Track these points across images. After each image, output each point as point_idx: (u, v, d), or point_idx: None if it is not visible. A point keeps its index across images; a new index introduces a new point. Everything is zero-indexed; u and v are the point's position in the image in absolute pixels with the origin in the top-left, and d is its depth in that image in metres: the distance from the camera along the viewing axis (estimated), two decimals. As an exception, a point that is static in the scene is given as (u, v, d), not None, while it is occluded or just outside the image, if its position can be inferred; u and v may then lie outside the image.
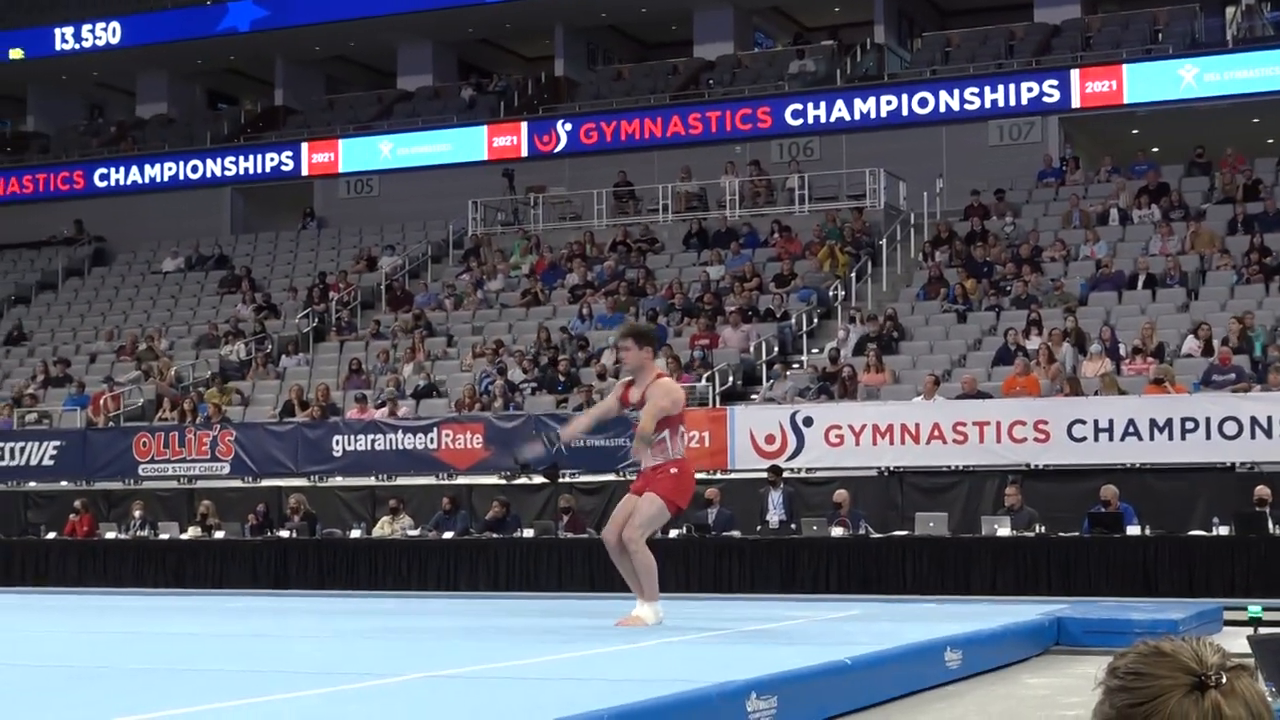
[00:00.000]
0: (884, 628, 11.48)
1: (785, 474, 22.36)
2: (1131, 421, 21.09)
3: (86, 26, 42.23)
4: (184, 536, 24.39)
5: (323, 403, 26.83)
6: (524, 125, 36.89)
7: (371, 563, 22.51)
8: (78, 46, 42.48)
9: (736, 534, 21.22)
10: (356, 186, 38.43)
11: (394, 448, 25.05)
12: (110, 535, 25.03)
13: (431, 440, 24.80)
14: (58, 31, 42.59)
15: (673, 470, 11.20)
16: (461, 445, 24.62)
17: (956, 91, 33.30)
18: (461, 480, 24.53)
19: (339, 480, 25.55)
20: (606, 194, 34.01)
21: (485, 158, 36.82)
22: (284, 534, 23.83)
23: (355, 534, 23.61)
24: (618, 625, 11.30)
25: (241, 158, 39.68)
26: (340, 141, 38.71)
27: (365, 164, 38.23)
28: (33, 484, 27.59)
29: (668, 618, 11.43)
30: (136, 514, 25.26)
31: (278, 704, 6.90)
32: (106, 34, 42.09)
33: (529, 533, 22.06)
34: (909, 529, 20.64)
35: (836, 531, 20.55)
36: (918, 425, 22.14)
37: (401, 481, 24.95)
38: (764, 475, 22.35)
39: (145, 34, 41.84)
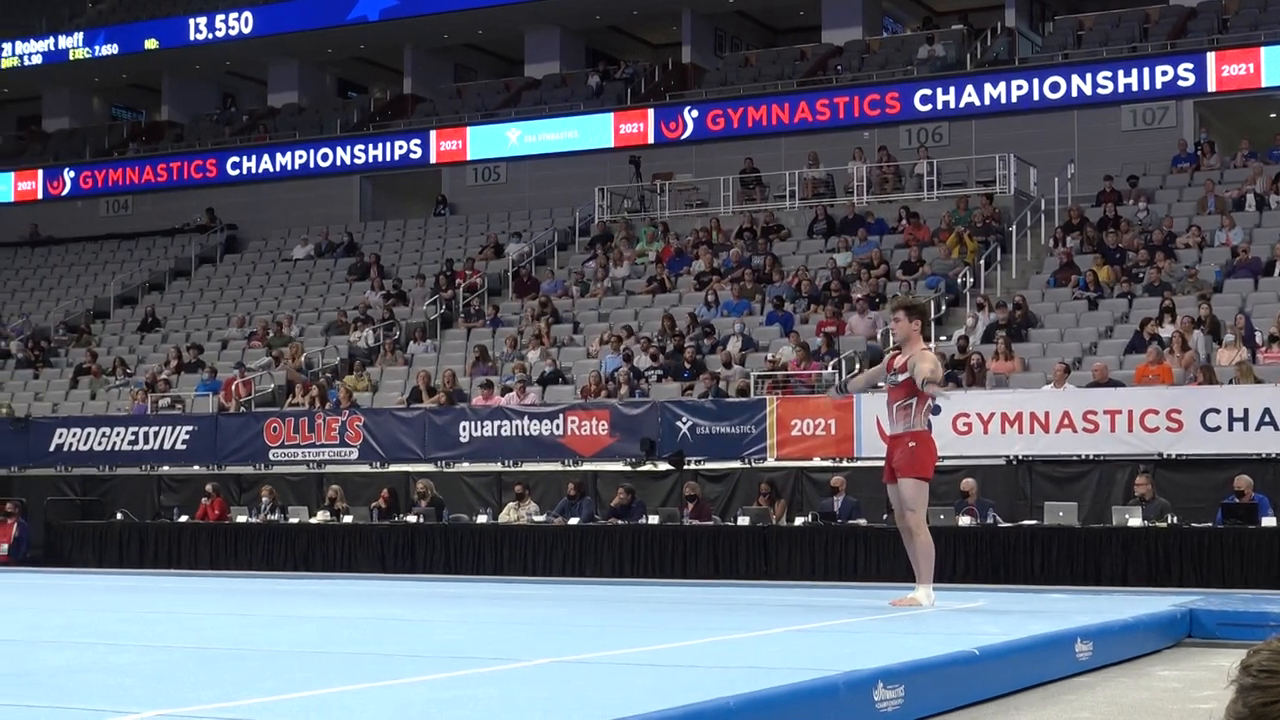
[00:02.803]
0: (1012, 618, 11.35)
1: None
2: (1267, 411, 20.70)
3: (220, 17, 42.81)
4: (313, 521, 24.67)
5: (449, 389, 27.01)
6: (651, 112, 36.90)
7: (497, 548, 22.65)
8: (211, 36, 43.08)
9: (862, 522, 21.10)
10: (484, 174, 38.64)
11: (520, 434, 25.16)
12: (241, 519, 25.38)
13: (557, 427, 24.88)
14: (192, 22, 43.22)
15: (910, 444, 11.67)
16: (587, 432, 24.67)
17: (1089, 76, 32.87)
18: (587, 466, 24.59)
19: (465, 466, 25.70)
20: (733, 181, 33.93)
21: (612, 145, 36.87)
22: (411, 519, 24.03)
23: (481, 519, 23.76)
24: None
25: (371, 146, 40.04)
26: (468, 129, 38.94)
27: (493, 151, 38.43)
28: (166, 468, 28.03)
29: (794, 607, 11.38)
30: (266, 498, 25.59)
31: (408, 687, 6.94)
32: (239, 24, 42.63)
33: (654, 520, 22.08)
34: (1038, 519, 20.42)
35: (964, 520, 20.37)
36: (1047, 414, 21.88)
37: (527, 467, 25.06)
38: (891, 463, 22.19)
39: (277, 23, 42.33)
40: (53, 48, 45.04)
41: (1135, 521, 19.36)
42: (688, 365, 26.22)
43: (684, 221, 33.84)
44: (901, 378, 11.84)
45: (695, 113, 36.20)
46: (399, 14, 41.06)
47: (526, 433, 25.11)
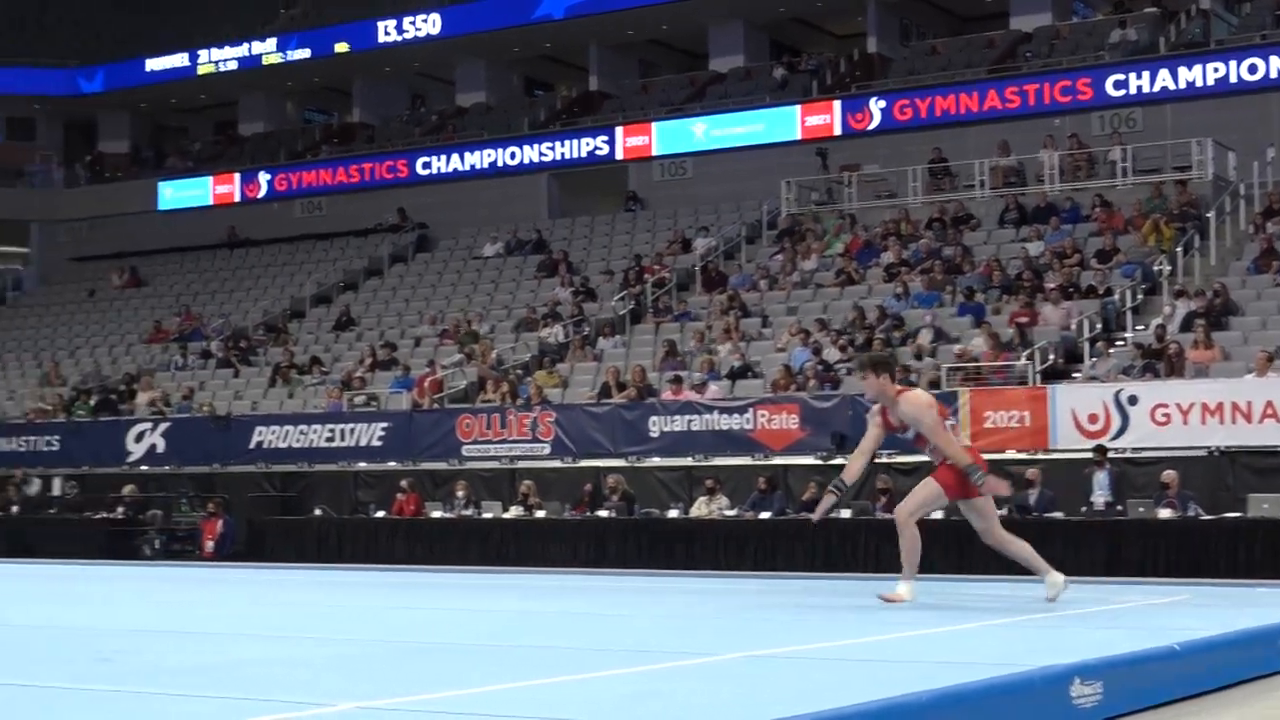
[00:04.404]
0: (1215, 613, 11.08)
1: (1110, 454, 21.79)
2: None
3: (408, 19, 43.39)
4: (506, 516, 24.89)
5: (639, 384, 27.08)
6: (837, 104, 36.66)
7: (689, 543, 22.67)
8: (400, 38, 43.69)
9: (1059, 515, 20.77)
10: (670, 169, 38.68)
11: (710, 428, 25.15)
12: (435, 514, 25.70)
13: (747, 421, 24.83)
14: (380, 25, 43.87)
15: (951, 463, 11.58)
16: (777, 426, 24.60)
17: (1288, 56, 32.00)
18: (777, 460, 24.51)
19: (656, 460, 25.75)
20: (921, 171, 33.61)
21: (798, 137, 36.71)
22: (603, 514, 24.14)
23: (672, 514, 23.79)
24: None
25: (558, 143, 40.29)
26: (654, 125, 39.01)
27: (679, 146, 38.46)
28: (362, 464, 28.47)
29: (986, 601, 11.23)
30: (460, 494, 25.87)
31: (599, 681, 6.95)
32: (427, 25, 43.19)
33: (846, 514, 21.93)
34: (1241, 511, 19.93)
35: (1164, 513, 19.97)
36: (1250, 403, 21.37)
37: (717, 462, 25.04)
38: (1087, 455, 21.84)
39: (464, 24, 42.80)
40: (247, 54, 46.00)
41: (1343, 513, 18.83)
42: (878, 358, 25.96)
43: (872, 213, 33.58)
44: (911, 433, 11.79)
45: (882, 103, 35.90)
46: (584, 11, 41.28)
47: (716, 427, 25.09)
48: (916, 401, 11.65)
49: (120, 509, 29.16)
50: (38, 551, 28.02)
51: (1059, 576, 11.74)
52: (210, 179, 45.44)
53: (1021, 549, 11.84)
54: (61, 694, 6.72)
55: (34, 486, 31.43)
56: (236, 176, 44.90)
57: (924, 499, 11.89)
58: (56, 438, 32.36)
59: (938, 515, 21.62)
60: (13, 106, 49.34)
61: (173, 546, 28.14)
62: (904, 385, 12.08)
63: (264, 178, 44.32)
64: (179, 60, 46.97)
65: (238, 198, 44.79)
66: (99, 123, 50.00)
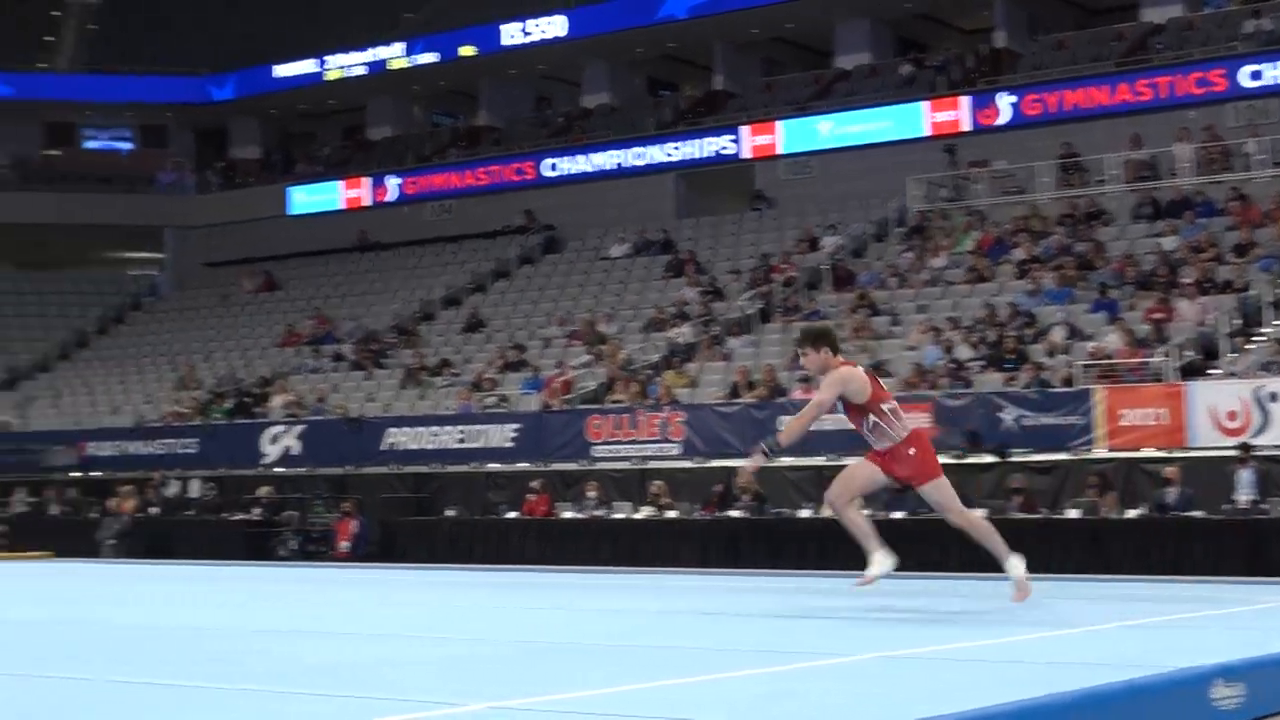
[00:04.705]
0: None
1: (1255, 452, 21.40)
2: None
3: (532, 21, 43.58)
4: (637, 516, 24.91)
5: (769, 383, 26.99)
6: (964, 99, 36.33)
7: (822, 542, 22.53)
8: (524, 41, 43.90)
9: (1199, 514, 20.43)
10: (795, 168, 38.53)
11: (840, 428, 24.96)
12: (566, 515, 25.77)
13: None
14: (505, 28, 44.09)
15: (910, 451, 11.33)
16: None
17: None
18: (909, 460, 24.27)
19: (787, 460, 25.62)
20: (1051, 166, 33.22)
21: (926, 134, 36.41)
22: (733, 514, 24.09)
23: (804, 514, 23.69)
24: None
25: (683, 143, 40.28)
26: (779, 123, 38.87)
27: (804, 144, 38.29)
28: (493, 465, 28.62)
29: (1126, 598, 11.05)
30: (591, 494, 25.93)
31: (735, 680, 6.92)
32: (551, 27, 43.37)
33: (979, 512, 21.67)
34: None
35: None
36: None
37: (849, 461, 24.84)
38: (1228, 453, 21.47)
39: (588, 25, 42.92)
40: (374, 59, 46.45)
41: None
42: (1010, 355, 25.73)
43: (1001, 209, 33.23)
44: (870, 420, 11.50)
45: (1011, 98, 35.51)
46: (707, 11, 41.23)
47: (847, 426, 24.88)
48: (836, 377, 11.27)
49: (256, 510, 29.54)
50: (176, 553, 28.48)
51: (1017, 559, 11.34)
52: (340, 183, 45.92)
53: (983, 532, 11.49)
54: (198, 693, 6.82)
55: (172, 488, 31.94)
56: (366, 180, 45.33)
57: (948, 495, 11.51)
58: (194, 440, 32.87)
59: (1073, 514, 21.40)
60: (146, 114, 50.17)
61: (308, 547, 28.47)
62: (846, 361, 11.73)
63: (393, 181, 44.71)
64: (307, 66, 47.53)
65: (368, 201, 45.22)
66: (229, 129, 50.71)
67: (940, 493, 11.36)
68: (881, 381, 11.61)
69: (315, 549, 28.31)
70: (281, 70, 47.94)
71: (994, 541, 11.32)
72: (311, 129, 51.90)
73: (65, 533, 30.49)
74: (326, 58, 47.13)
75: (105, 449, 34.03)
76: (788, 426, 11.39)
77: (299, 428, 31.40)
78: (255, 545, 28.43)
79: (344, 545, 27.61)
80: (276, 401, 33.51)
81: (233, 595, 15.77)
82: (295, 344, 38.67)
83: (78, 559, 27.75)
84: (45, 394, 40.46)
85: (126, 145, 51.71)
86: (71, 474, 34.08)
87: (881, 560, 11.27)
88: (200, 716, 6.13)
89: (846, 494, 11.50)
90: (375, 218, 44.86)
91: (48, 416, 38.35)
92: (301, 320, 40.31)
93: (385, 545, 27.43)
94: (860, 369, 11.48)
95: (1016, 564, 11.19)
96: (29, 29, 49.48)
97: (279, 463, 31.30)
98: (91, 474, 33.68)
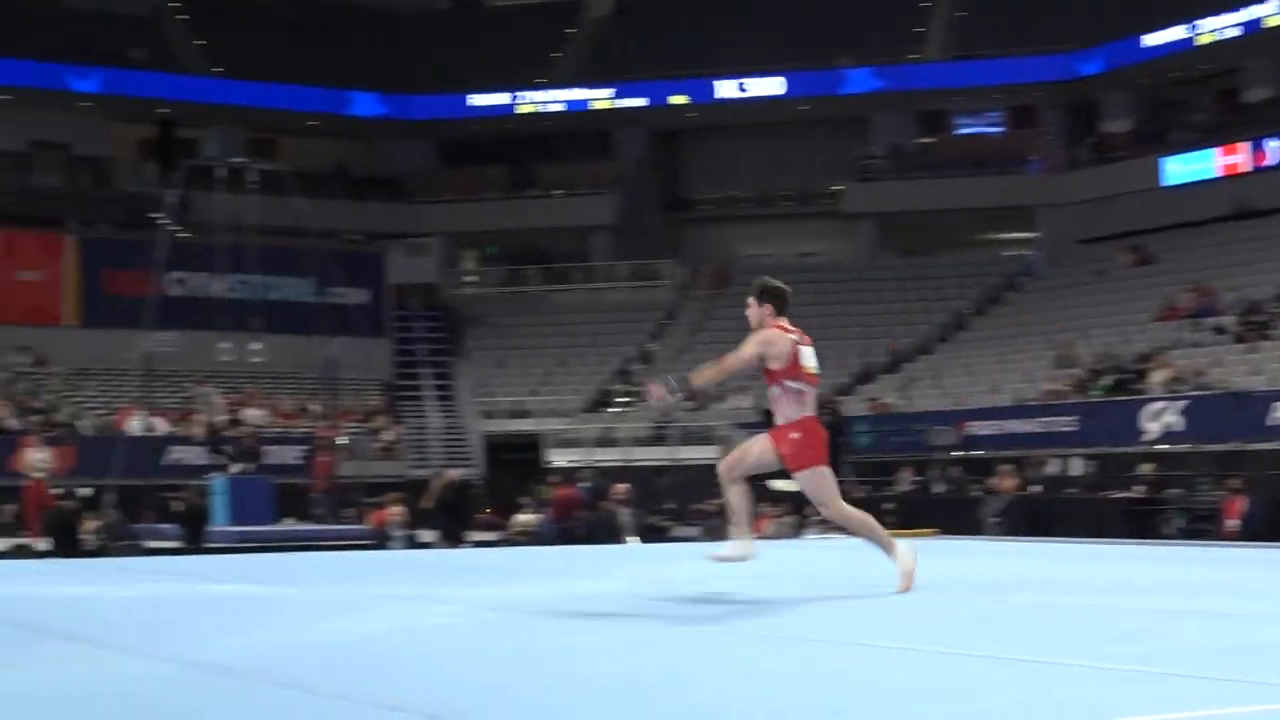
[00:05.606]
0: None
1: None
2: None
3: None
4: None
5: None
6: None
7: None
8: None
9: None
10: None
11: None
12: None
13: None
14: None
15: (793, 435, 10.64)
16: None
17: None
18: None
19: None
20: None
21: None
22: None
23: None
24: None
25: None
26: None
27: None
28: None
29: None
30: None
31: None
32: None
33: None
34: None
35: None
36: None
37: None
38: None
39: None
40: (1249, 18, 44.53)
41: None
42: None
43: None
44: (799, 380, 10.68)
45: None
46: None
47: None
48: (766, 336, 10.60)
49: (1138, 488, 29.11)
50: (1054, 531, 28.40)
51: (906, 547, 10.95)
52: (1216, 150, 44.41)
53: (863, 526, 10.94)
54: (1076, 671, 6.61)
55: (1052, 466, 32.03)
56: (1244, 145, 43.58)
57: (824, 488, 10.82)
58: (1073, 418, 32.73)
59: None
60: (1014, 95, 50.47)
61: (1193, 526, 27.71)
62: (787, 327, 10.69)
63: (1273, 145, 42.72)
64: (1177, 33, 46.19)
65: (1246, 168, 43.47)
66: (1099, 103, 50.14)
67: (816, 483, 10.81)
68: (812, 366, 10.66)
69: (1200, 528, 27.49)
70: (1149, 39, 46.90)
71: (877, 534, 10.99)
72: (1183, 96, 50.47)
73: (949, 510, 31.11)
74: (1197, 22, 45.66)
75: (985, 428, 34.50)
76: (702, 370, 10.91)
77: (1181, 403, 30.62)
78: (1138, 523, 27.98)
79: (1231, 524, 26.60)
80: (1156, 377, 32.87)
81: (1114, 573, 15.41)
82: (1174, 318, 37.80)
83: (961, 536, 28.20)
84: (926, 375, 41.51)
85: (997, 128, 52.30)
86: (953, 453, 34.74)
87: (741, 548, 10.83)
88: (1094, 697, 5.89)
89: (737, 469, 10.85)
90: (1255, 184, 43.04)
91: (929, 397, 39.29)
92: (1179, 293, 39.28)
93: (1276, 525, 26.19)
94: (791, 339, 10.67)
95: (905, 553, 10.90)
96: (899, 23, 50.97)
97: (1160, 439, 30.66)
98: (972, 453, 34.23)
